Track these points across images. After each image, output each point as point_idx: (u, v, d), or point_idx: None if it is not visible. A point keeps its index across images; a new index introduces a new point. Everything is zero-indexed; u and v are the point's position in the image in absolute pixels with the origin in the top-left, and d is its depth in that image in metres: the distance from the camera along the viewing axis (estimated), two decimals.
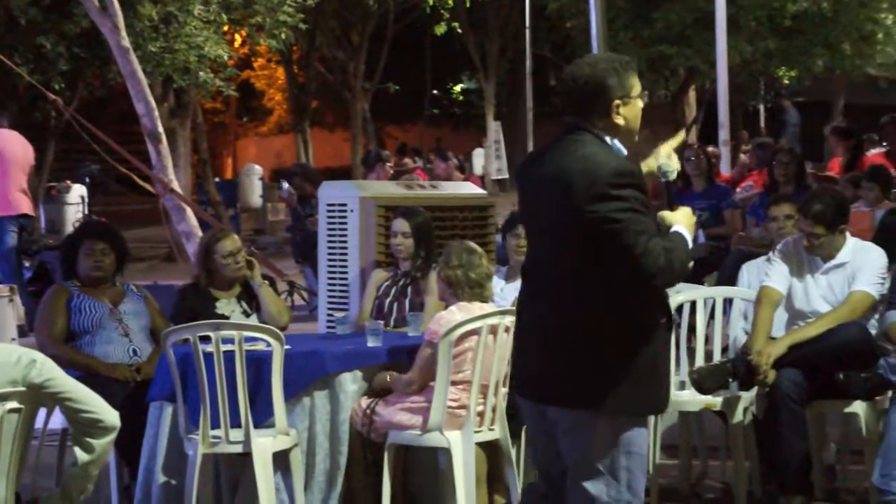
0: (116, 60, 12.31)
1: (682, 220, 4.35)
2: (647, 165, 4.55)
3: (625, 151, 4.40)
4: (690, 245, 4.32)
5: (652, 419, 6.86)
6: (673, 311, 4.52)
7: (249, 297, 7.31)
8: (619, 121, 4.37)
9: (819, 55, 19.77)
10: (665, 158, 4.49)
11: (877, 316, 6.69)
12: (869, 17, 19.50)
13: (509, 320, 6.25)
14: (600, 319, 4.29)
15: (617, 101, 4.36)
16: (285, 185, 13.95)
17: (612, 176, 4.22)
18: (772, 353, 6.43)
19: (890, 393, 6.42)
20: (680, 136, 4.75)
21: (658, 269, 4.18)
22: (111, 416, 5.04)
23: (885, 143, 12.33)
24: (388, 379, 6.40)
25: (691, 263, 4.36)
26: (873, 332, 6.64)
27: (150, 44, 16.55)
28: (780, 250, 6.85)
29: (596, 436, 4.33)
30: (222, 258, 7.22)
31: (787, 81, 22.71)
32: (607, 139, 4.36)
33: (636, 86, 4.39)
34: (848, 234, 6.78)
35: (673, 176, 4.45)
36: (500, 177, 30.27)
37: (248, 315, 7.22)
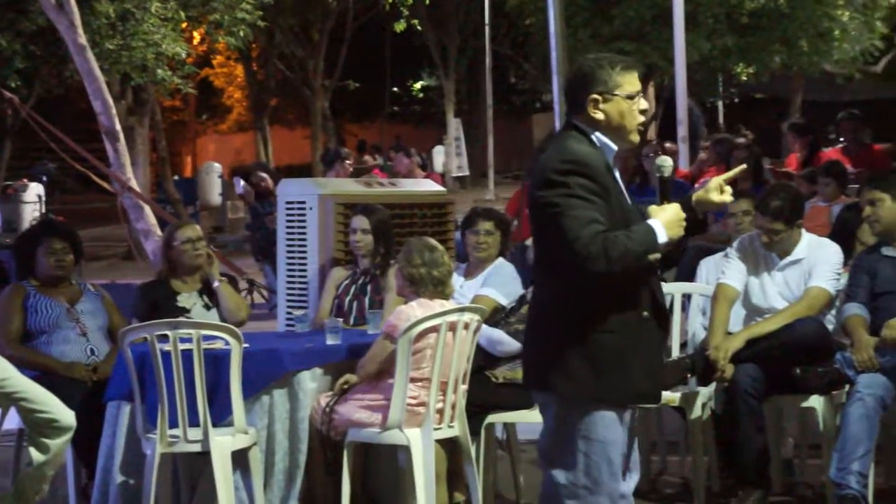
0: (73, 58, 12.24)
1: (659, 215, 4.33)
2: (699, 197, 4.52)
3: (614, 148, 4.42)
4: (661, 239, 4.28)
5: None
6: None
7: (210, 291, 7.31)
8: (598, 115, 4.40)
9: (776, 52, 19.86)
10: (662, 156, 4.51)
11: (833, 311, 6.73)
12: (825, 14, 19.61)
13: (468, 317, 6.26)
14: (564, 306, 4.38)
15: (595, 96, 4.39)
16: (241, 182, 13.92)
17: (559, 163, 4.31)
18: (729, 348, 6.47)
19: (847, 387, 6.45)
20: (738, 169, 4.71)
21: (587, 255, 4.20)
22: (67, 417, 5.01)
23: (841, 139, 12.42)
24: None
25: (654, 256, 4.30)
26: (830, 327, 6.68)
27: (107, 41, 16.47)
28: (737, 247, 6.88)
29: (556, 418, 4.43)
30: (181, 244, 7.24)
31: (744, 78, 22.79)
32: (592, 135, 4.40)
33: (625, 84, 4.39)
34: (803, 231, 6.81)
35: (667, 172, 4.45)
36: (460, 174, 30.28)
37: (209, 308, 7.21)
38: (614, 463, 4.40)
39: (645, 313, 4.38)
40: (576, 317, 4.35)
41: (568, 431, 4.40)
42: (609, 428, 4.37)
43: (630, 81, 4.40)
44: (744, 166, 4.49)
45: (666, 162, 4.46)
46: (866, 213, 6.63)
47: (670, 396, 6.78)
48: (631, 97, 4.40)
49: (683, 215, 4.35)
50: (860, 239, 7.48)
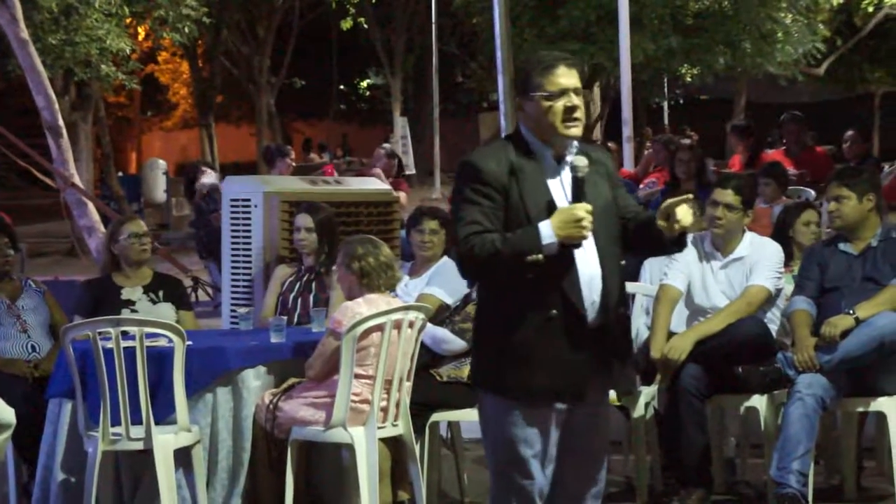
0: (15, 53, 12.14)
1: (554, 217, 4.32)
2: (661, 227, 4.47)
3: (547, 148, 4.42)
4: (547, 241, 4.27)
5: None
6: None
7: (157, 287, 7.26)
8: (523, 117, 4.48)
9: (720, 53, 19.96)
10: (578, 155, 4.44)
11: (773, 309, 6.78)
12: (768, 16, 19.73)
13: (413, 315, 6.26)
14: (484, 304, 4.57)
15: (519, 100, 4.49)
16: (205, 179, 13.78)
17: (458, 167, 4.49)
18: (684, 350, 6.46)
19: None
20: (683, 198, 4.59)
21: (459, 255, 4.41)
22: (7, 414, 4.99)
23: (784, 141, 12.52)
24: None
25: (536, 256, 4.27)
26: (771, 326, 6.72)
27: (49, 36, 16.34)
28: None
29: (478, 411, 4.64)
30: (126, 239, 7.20)
31: (689, 79, 22.91)
32: (529, 137, 4.45)
33: (545, 84, 4.39)
34: (746, 230, 6.87)
35: (581, 173, 4.41)
36: (406, 172, 30.28)
37: (154, 303, 7.17)
38: (522, 460, 4.45)
39: (553, 312, 4.38)
40: (490, 315, 4.49)
41: (483, 424, 4.59)
42: (515, 425, 4.44)
43: (551, 81, 4.39)
44: (689, 196, 4.45)
45: (581, 161, 4.40)
46: (831, 209, 6.62)
47: (612, 395, 6.80)
48: (551, 96, 4.39)
49: (580, 216, 4.28)
50: (795, 240, 7.54)
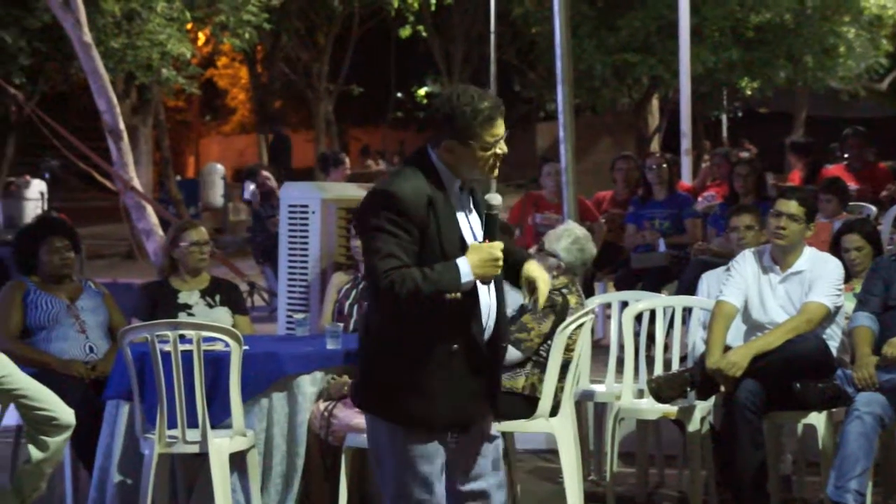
0: (78, 56, 12.25)
1: (470, 254, 4.35)
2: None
3: (447, 177, 4.45)
4: (466, 279, 4.31)
5: (610, 427, 6.90)
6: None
7: (215, 290, 7.29)
8: (448, 157, 4.45)
9: (781, 67, 19.86)
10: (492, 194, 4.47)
11: (833, 326, 6.71)
12: (831, 30, 19.62)
13: None
14: (377, 328, 4.51)
15: (451, 142, 4.44)
16: (251, 186, 13.90)
17: (371, 195, 4.42)
18: (740, 365, 6.39)
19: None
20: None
21: (378, 288, 4.34)
22: (66, 415, 5.02)
23: (846, 156, 12.41)
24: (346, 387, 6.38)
25: (454, 294, 4.32)
26: (831, 343, 6.65)
27: (112, 40, 16.48)
28: (739, 261, 6.85)
29: (368, 431, 4.64)
30: (188, 246, 7.22)
31: (749, 92, 22.79)
32: (440, 168, 4.46)
33: (483, 135, 4.42)
34: (806, 245, 6.80)
35: (495, 211, 4.44)
36: None
37: (211, 307, 7.20)
38: (423, 476, 4.48)
39: (455, 346, 4.42)
40: (388, 344, 4.47)
41: (375, 445, 4.58)
42: (414, 446, 4.46)
43: (489, 132, 4.43)
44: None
45: (495, 199, 4.43)
46: None
47: (669, 409, 6.78)
48: (487, 146, 4.44)
49: (498, 255, 4.35)
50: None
